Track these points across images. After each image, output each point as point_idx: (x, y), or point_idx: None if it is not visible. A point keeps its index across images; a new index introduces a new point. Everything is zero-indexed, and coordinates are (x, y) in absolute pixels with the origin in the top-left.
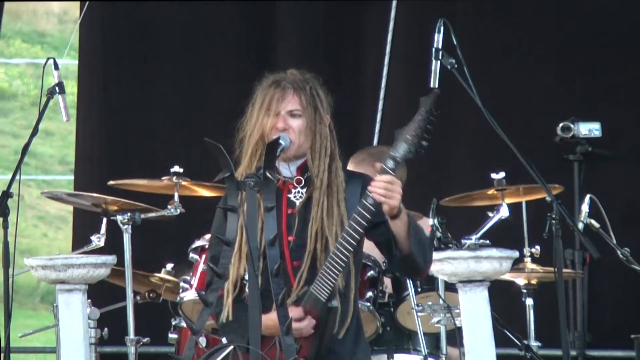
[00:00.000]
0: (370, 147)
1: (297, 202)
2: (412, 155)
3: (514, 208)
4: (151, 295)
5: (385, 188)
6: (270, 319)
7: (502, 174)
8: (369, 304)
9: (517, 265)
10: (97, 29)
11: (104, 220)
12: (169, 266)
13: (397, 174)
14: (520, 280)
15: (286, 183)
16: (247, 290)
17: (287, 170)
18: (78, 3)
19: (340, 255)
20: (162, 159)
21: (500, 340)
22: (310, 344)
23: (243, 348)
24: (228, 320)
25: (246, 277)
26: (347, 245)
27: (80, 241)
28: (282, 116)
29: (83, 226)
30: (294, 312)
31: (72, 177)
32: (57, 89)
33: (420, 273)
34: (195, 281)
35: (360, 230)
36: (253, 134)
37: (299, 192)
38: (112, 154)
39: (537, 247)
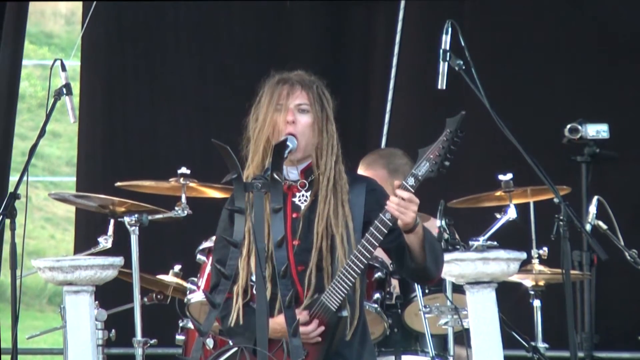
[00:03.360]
0: (380, 149)
1: (302, 206)
2: (434, 174)
3: (522, 209)
4: (158, 296)
5: (399, 204)
6: (276, 322)
7: (509, 176)
8: (376, 305)
9: (524, 266)
10: (100, 29)
11: (112, 221)
12: (177, 267)
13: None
14: (528, 282)
15: (291, 187)
16: (254, 292)
17: (291, 173)
18: (82, 4)
19: (354, 267)
20: (166, 160)
21: (507, 341)
22: (318, 351)
23: (250, 351)
24: (233, 326)
25: (253, 279)
26: (362, 258)
27: (83, 242)
28: (291, 109)
29: (86, 227)
30: (300, 316)
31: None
32: (64, 90)
33: (431, 280)
34: (202, 282)
35: (376, 244)
36: (263, 131)
37: (303, 195)
38: (115, 155)
39: (545, 248)
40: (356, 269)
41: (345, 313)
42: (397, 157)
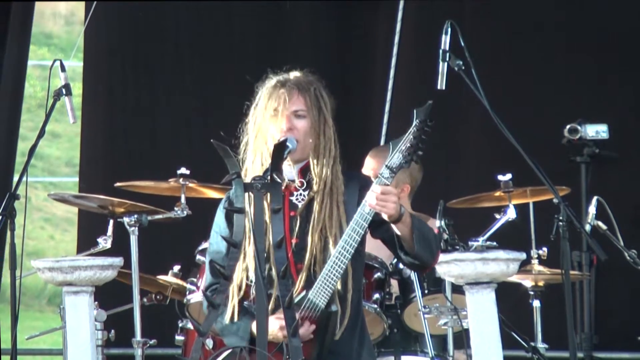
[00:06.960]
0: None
1: (299, 205)
2: (407, 165)
3: (521, 210)
4: (158, 297)
5: (378, 199)
6: (269, 322)
7: (509, 176)
8: (375, 305)
9: (524, 267)
10: (102, 30)
11: (111, 222)
12: (176, 268)
13: (393, 183)
14: (528, 282)
15: (288, 186)
16: (253, 292)
17: (289, 173)
18: (84, 4)
19: (339, 262)
20: (167, 160)
21: (507, 342)
22: (311, 349)
23: (246, 350)
24: (228, 323)
25: (251, 279)
26: (345, 252)
27: (85, 243)
28: (287, 116)
29: (88, 228)
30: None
31: (78, 179)
32: (63, 90)
33: (427, 268)
34: (202, 283)
35: (358, 238)
36: (259, 135)
37: (300, 194)
38: (117, 155)
39: (544, 249)
40: (341, 263)
41: (334, 307)
42: None
